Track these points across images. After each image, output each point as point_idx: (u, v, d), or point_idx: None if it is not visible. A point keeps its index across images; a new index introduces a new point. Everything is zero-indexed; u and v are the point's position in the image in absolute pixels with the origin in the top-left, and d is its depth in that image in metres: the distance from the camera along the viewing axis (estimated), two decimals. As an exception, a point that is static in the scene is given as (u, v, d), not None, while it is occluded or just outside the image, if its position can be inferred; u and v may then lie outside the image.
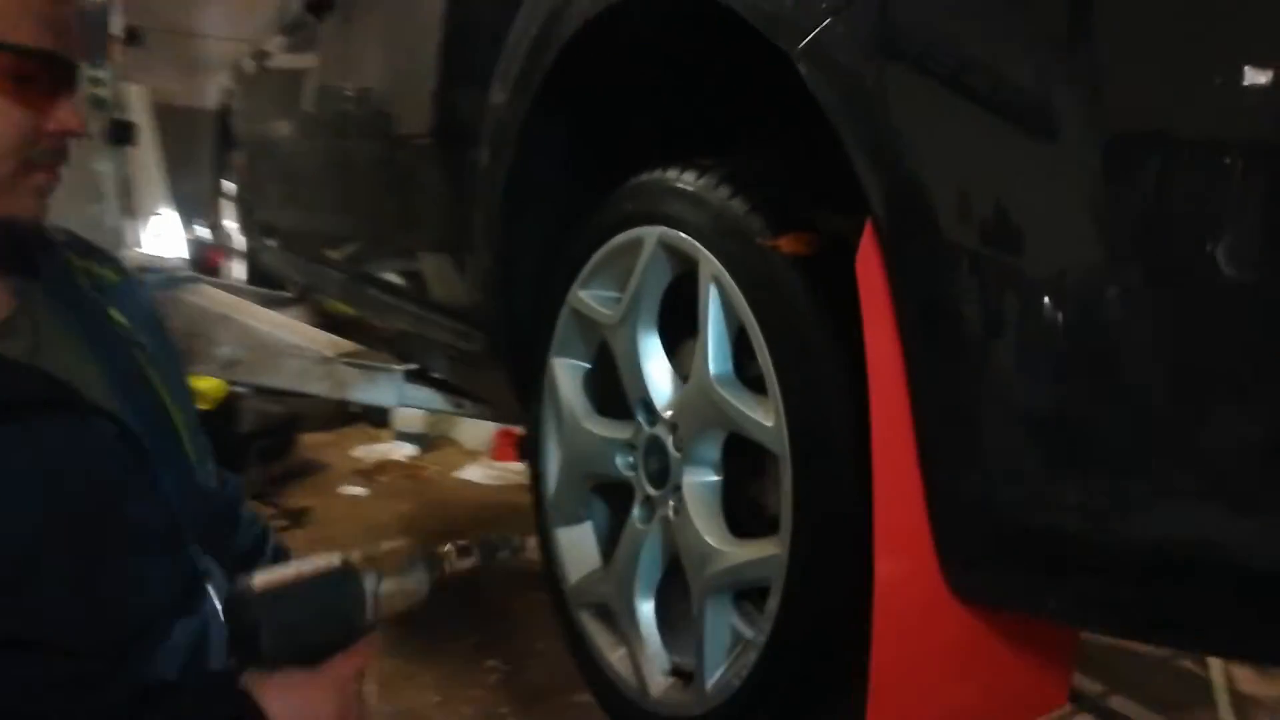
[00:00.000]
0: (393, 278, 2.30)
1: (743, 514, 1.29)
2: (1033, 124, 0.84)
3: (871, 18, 0.93)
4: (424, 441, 5.03)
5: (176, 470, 1.01)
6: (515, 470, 4.50)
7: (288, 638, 0.90)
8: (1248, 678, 2.29)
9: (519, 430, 3.69)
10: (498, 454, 4.80)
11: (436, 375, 2.23)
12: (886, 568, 0.94)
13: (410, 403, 2.25)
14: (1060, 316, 0.84)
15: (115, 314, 1.04)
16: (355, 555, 0.96)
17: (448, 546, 1.04)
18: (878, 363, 0.93)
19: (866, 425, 1.07)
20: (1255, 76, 0.73)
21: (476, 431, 5.01)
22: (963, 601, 0.94)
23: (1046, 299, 0.85)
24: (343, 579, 0.94)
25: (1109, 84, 0.80)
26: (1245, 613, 0.81)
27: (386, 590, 0.96)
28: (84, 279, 1.04)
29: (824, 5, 0.97)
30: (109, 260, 1.10)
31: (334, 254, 2.69)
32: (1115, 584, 0.85)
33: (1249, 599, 0.80)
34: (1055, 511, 0.86)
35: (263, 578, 0.91)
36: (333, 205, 2.64)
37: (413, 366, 2.20)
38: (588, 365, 1.53)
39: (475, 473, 4.72)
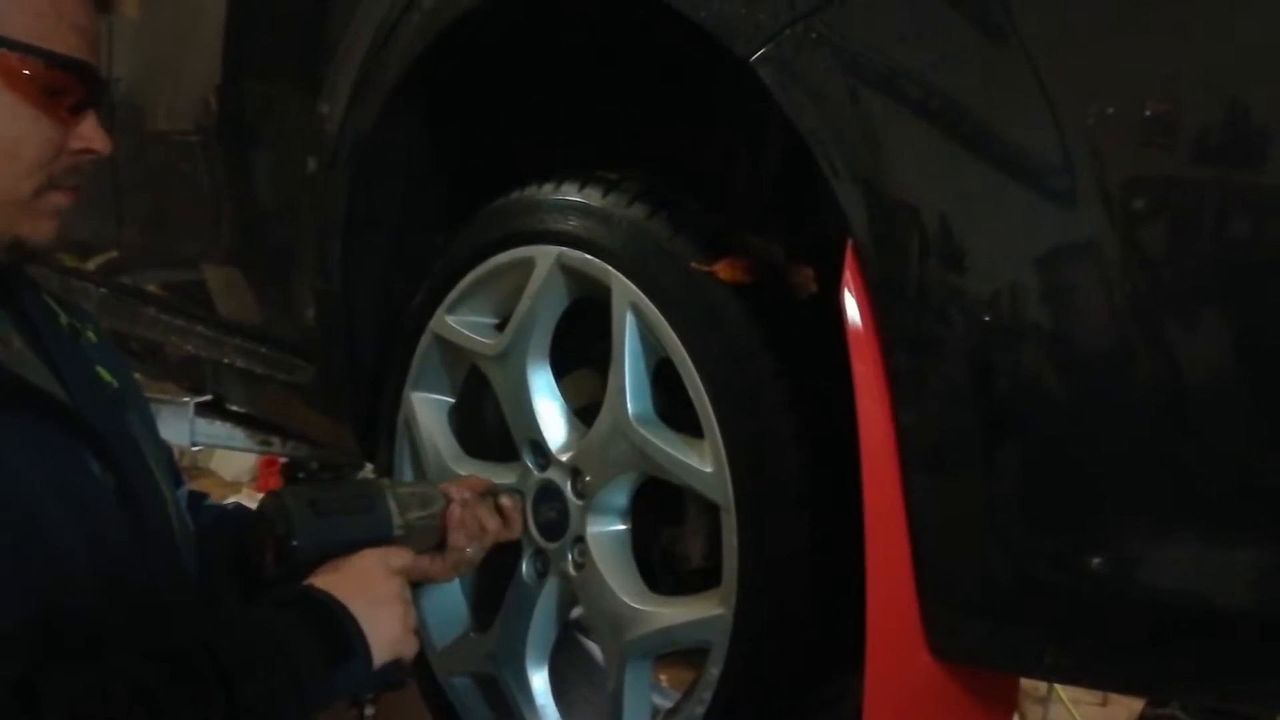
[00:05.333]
0: (171, 294, 2.01)
1: (653, 567, 1.17)
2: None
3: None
4: (176, 475, 4.52)
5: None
6: (281, 502, 4.12)
7: (320, 537, 0.97)
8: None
9: (283, 459, 3.37)
10: (262, 485, 4.40)
11: (235, 408, 1.96)
12: (878, 630, 0.84)
13: (204, 441, 1.96)
14: (1071, 357, 0.78)
15: (104, 373, 0.97)
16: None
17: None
18: (867, 406, 0.84)
19: (819, 469, 0.99)
20: None
21: (235, 462, 4.56)
22: (948, 662, 0.87)
23: (1056, 338, 0.78)
24: (364, 486, 1.06)
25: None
26: (1251, 662, 0.78)
27: (406, 499, 1.05)
28: (70, 331, 0.97)
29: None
30: (89, 319, 1.04)
31: (87, 265, 2.33)
32: (1123, 642, 0.80)
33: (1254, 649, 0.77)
34: (1057, 569, 0.80)
35: (291, 489, 0.99)
36: (89, 206, 2.28)
37: (205, 398, 1.92)
38: (452, 400, 1.36)
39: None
